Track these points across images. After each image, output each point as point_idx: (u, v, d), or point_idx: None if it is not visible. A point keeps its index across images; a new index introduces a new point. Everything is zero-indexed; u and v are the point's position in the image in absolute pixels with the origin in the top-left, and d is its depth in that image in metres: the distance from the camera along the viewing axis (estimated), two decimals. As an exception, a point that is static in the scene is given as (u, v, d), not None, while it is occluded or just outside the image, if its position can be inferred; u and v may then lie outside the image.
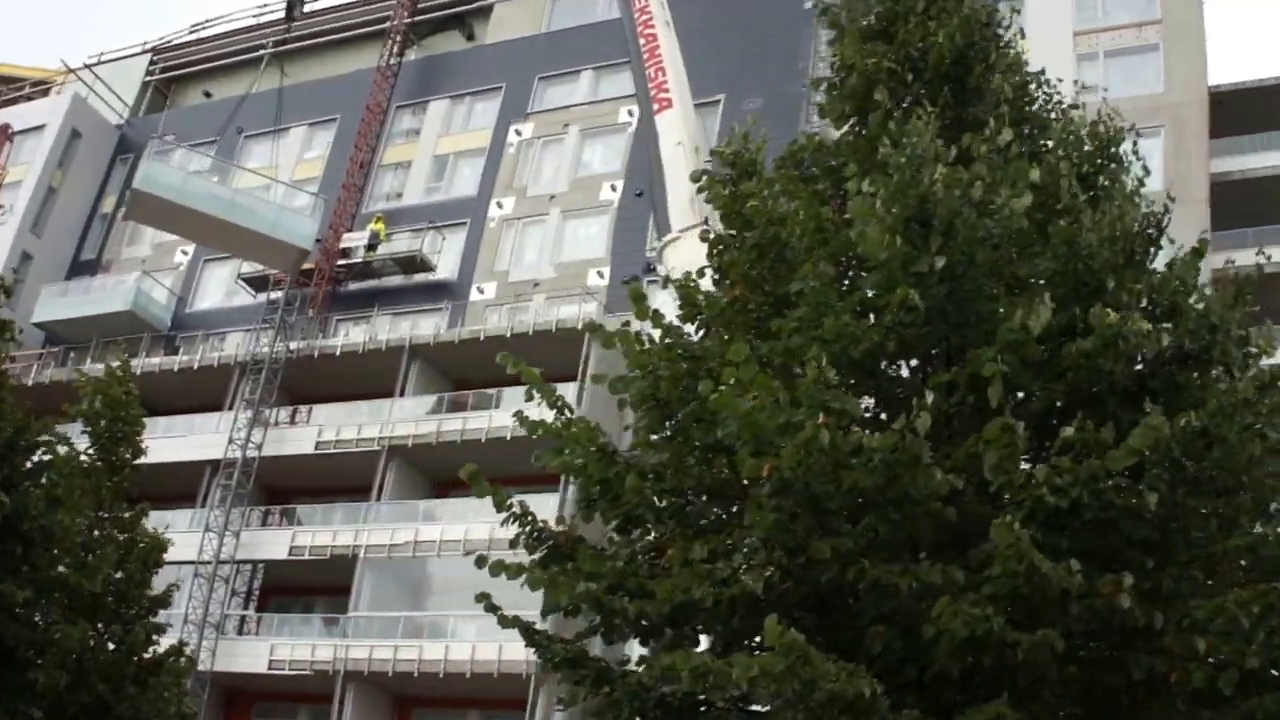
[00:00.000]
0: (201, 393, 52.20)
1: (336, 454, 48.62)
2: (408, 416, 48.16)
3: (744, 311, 14.93)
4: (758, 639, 12.32)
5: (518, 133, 57.85)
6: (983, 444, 11.60)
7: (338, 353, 50.85)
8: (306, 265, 54.98)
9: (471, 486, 14.41)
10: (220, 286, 61.24)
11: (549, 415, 14.99)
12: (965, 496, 11.98)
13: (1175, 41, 48.02)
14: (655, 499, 13.93)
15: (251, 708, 47.43)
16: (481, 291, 53.53)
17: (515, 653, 40.44)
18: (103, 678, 24.80)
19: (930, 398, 11.76)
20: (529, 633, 14.94)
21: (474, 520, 43.96)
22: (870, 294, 13.38)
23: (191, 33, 72.37)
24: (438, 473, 48.30)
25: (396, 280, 55.89)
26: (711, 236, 15.95)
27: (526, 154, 57.22)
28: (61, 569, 23.39)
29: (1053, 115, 16.87)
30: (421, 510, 46.79)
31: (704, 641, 14.09)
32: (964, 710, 11.42)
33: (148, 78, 72.77)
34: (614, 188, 53.75)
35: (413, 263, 55.28)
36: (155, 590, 28.43)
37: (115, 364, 30.98)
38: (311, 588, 48.79)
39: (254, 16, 70.20)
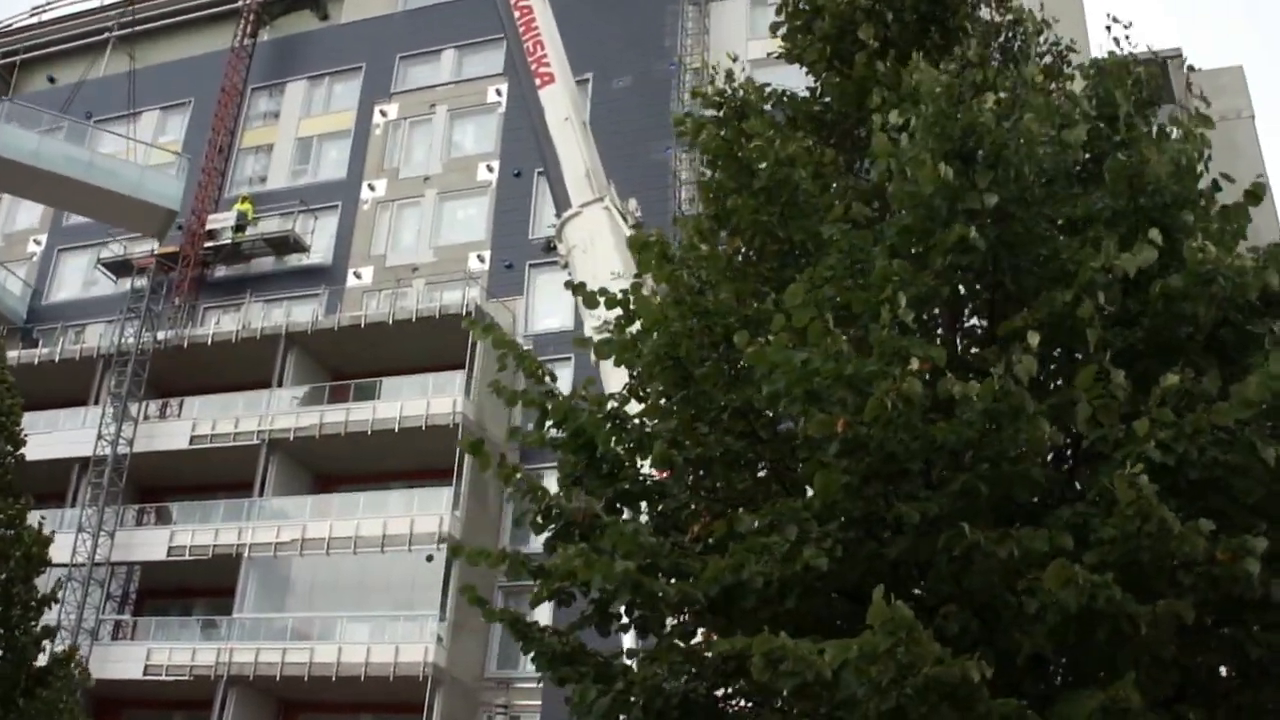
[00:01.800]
0: (63, 388, 49.94)
1: (213, 448, 46.64)
2: (287, 408, 46.35)
3: (750, 263, 13.67)
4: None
5: (383, 113, 56.14)
6: (1080, 394, 10.41)
7: (209, 342, 48.90)
8: (169, 249, 52.82)
9: (477, 460, 12.81)
10: (78, 276, 58.82)
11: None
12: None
13: None
14: (688, 471, 12.56)
15: (121, 715, 45.24)
16: (358, 276, 51.75)
17: (412, 654, 39.40)
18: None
19: (1034, 340, 10.54)
20: (517, 626, 13.37)
21: (365, 515, 42.55)
22: (912, 237, 12.16)
23: (32, 15, 69.48)
24: (321, 466, 46.75)
25: (268, 265, 53.93)
26: (705, 180, 14.65)
27: (394, 135, 55.51)
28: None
29: (1051, 57, 15.97)
30: (309, 506, 44.94)
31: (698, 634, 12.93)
32: (1071, 696, 10.21)
33: (-13, 64, 69.85)
34: (490, 168, 52.28)
35: (285, 243, 53.34)
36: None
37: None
38: (191, 589, 46.81)
39: (97, -2, 67.63)
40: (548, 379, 13.51)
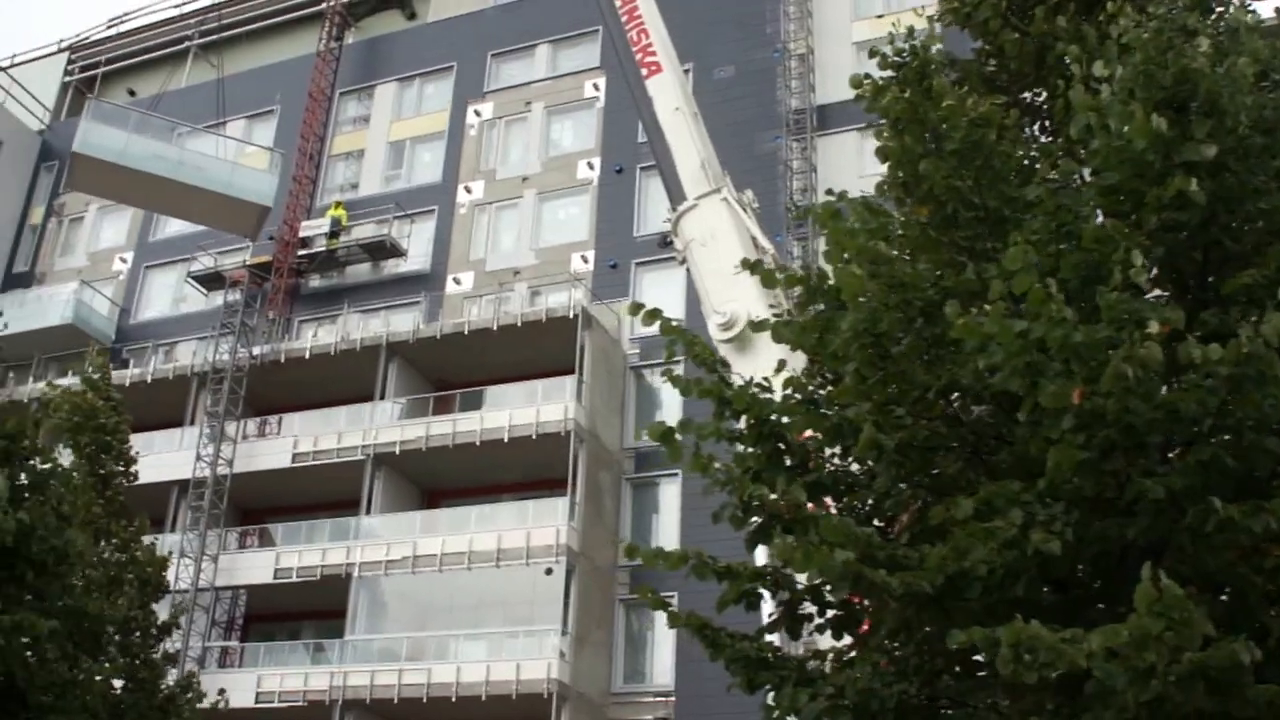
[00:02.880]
0: (157, 409, 49.89)
1: (316, 466, 46.65)
2: (391, 421, 46.23)
3: (942, 229, 13.20)
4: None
5: (477, 113, 56.06)
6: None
7: (307, 355, 48.98)
8: (262, 259, 53.08)
9: (664, 448, 12.33)
10: (166, 293, 59.19)
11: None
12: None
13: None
14: (895, 458, 12.10)
15: (234, 745, 45.38)
16: (458, 282, 51.62)
17: (534, 671, 39.13)
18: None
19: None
20: (705, 632, 12.94)
21: (477, 529, 42.40)
22: (1119, 196, 11.70)
23: (109, 27, 70.12)
24: (427, 480, 46.70)
25: (364, 275, 53.99)
26: (883, 145, 14.17)
27: (490, 135, 55.41)
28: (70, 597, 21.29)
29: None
30: (419, 522, 44.83)
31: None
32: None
33: (66, 78, 70.59)
34: (590, 165, 52.04)
35: (382, 248, 53.37)
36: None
37: (91, 370, 29.29)
38: (297, 612, 46.99)
39: (175, 7, 68.01)
40: (720, 367, 12.96)
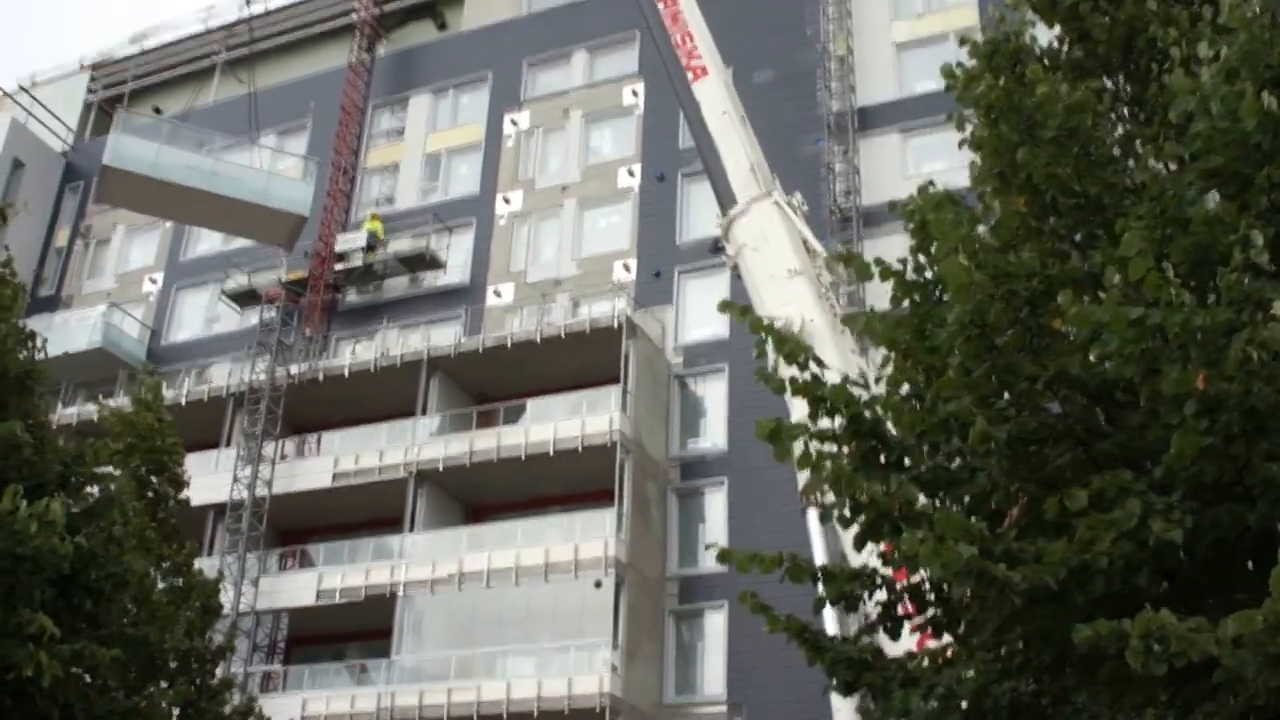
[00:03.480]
0: (191, 431, 49.56)
1: (357, 485, 46.72)
2: (433, 437, 46.24)
3: (1041, 217, 13.17)
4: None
5: (514, 123, 56.17)
6: None
7: (346, 373, 49.03)
8: (297, 274, 53.29)
9: (772, 446, 12.22)
10: (198, 313, 59.38)
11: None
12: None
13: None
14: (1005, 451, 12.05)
15: (284, 770, 45.49)
16: (499, 295, 51.70)
17: (586, 685, 39.15)
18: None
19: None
20: (804, 636, 12.94)
21: (524, 544, 42.45)
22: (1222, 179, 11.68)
23: (132, 44, 70.34)
24: (472, 496, 46.79)
25: (401, 289, 54.05)
26: (977, 135, 14.14)
27: (528, 145, 55.53)
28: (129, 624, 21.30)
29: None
30: (465, 538, 44.85)
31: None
32: None
33: (89, 97, 70.79)
34: (631, 173, 52.10)
35: (420, 260, 53.36)
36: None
37: (143, 389, 29.43)
38: (341, 634, 47.03)
39: (201, 22, 68.20)
40: (813, 365, 12.85)
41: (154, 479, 27.38)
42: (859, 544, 12.13)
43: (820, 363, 12.93)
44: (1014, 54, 14.34)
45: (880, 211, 46.45)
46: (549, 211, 53.23)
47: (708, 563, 43.52)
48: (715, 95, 36.45)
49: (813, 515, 28.07)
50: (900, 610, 12.51)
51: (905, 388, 12.76)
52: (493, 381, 48.02)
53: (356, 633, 46.56)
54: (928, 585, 12.03)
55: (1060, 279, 11.76)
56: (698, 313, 47.99)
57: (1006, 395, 12.17)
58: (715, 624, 42.69)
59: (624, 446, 42.75)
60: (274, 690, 44.95)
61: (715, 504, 44.53)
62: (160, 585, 24.71)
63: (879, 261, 13.14)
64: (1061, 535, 10.74)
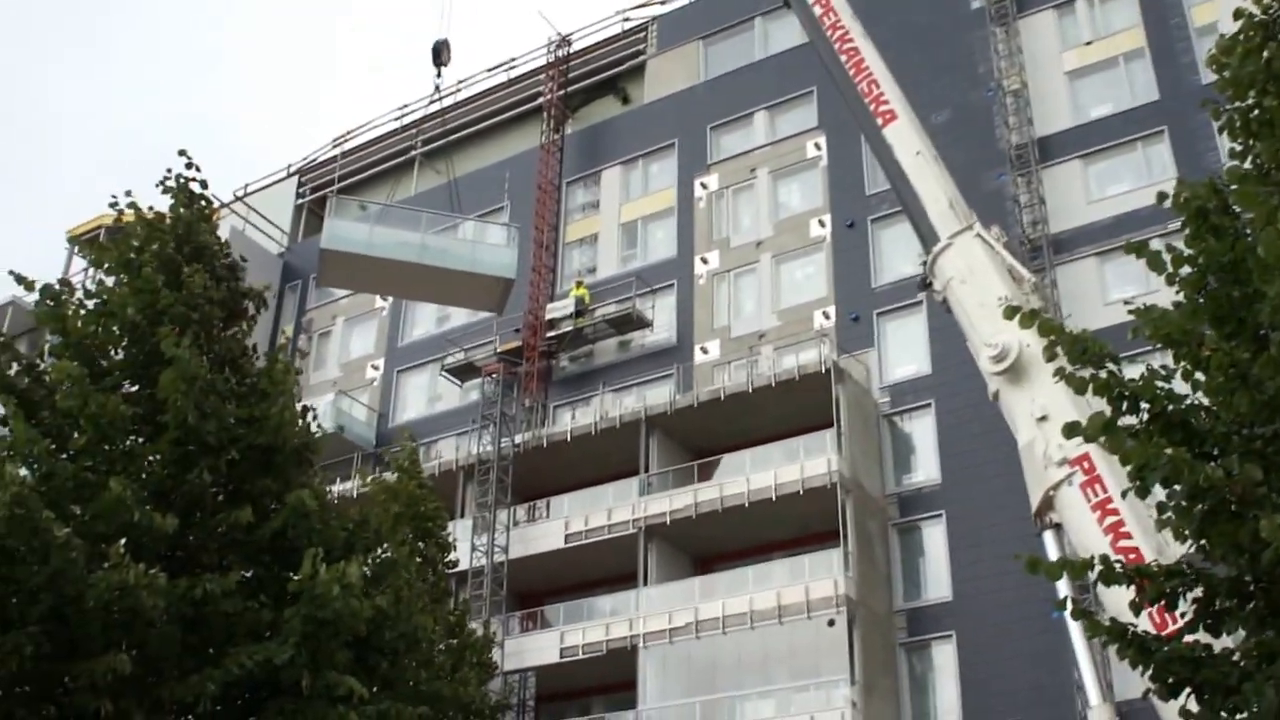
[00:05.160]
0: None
1: (589, 544, 46.97)
2: (659, 493, 46.32)
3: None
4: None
5: (703, 186, 56.36)
6: None
7: (569, 438, 49.43)
8: (512, 344, 54.04)
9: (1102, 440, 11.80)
10: (420, 395, 60.22)
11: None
12: None
13: None
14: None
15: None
16: (705, 351, 51.80)
17: (829, 723, 38.77)
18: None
19: None
20: (1125, 638, 12.47)
21: (755, 589, 42.32)
22: None
23: (334, 147, 71.80)
24: (698, 547, 46.79)
25: (611, 355, 54.33)
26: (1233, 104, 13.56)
27: (719, 205, 55.65)
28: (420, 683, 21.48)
29: None
30: (697, 588, 44.82)
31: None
32: None
33: (299, 201, 72.32)
34: (821, 223, 51.99)
35: (628, 321, 53.60)
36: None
37: (401, 457, 29.95)
38: (584, 689, 47.22)
39: (395, 120, 69.46)
40: (1109, 363, 12.49)
41: (421, 544, 27.72)
42: (1196, 533, 11.66)
43: (1116, 360, 12.57)
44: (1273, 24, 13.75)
45: (1069, 238, 46.03)
46: (746, 267, 53.26)
47: (932, 594, 43.16)
48: (907, 137, 36.46)
49: (1049, 537, 27.75)
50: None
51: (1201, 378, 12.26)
52: (707, 435, 48.07)
53: (599, 687, 46.67)
54: (1248, 577, 11.62)
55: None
56: (898, 352, 47.79)
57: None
58: (945, 654, 42.17)
59: (844, 487, 42.50)
60: (526, 747, 45.30)
61: (934, 536, 44.08)
62: (440, 646, 24.85)
63: (1170, 248, 12.73)
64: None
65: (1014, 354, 29.21)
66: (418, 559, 27.30)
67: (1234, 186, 12.32)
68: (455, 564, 29.45)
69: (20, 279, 20.40)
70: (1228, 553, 11.37)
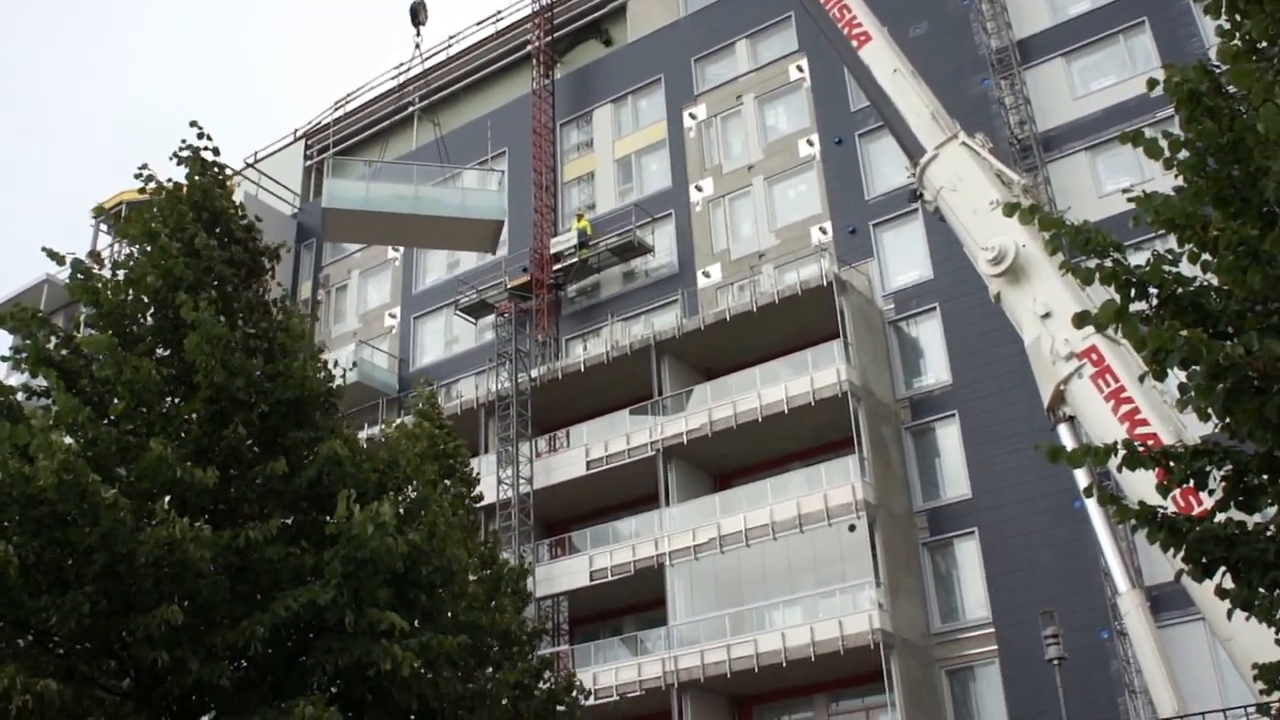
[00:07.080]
0: (450, 444, 50.59)
1: (610, 469, 46.89)
2: (673, 414, 46.10)
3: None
4: None
5: (692, 116, 55.88)
6: None
7: (583, 368, 49.24)
8: (521, 279, 54.15)
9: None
10: (437, 339, 60.18)
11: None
12: None
13: None
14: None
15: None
16: (707, 275, 51.50)
17: (857, 624, 38.77)
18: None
19: None
20: (1154, 520, 12.14)
21: (775, 500, 42.19)
22: None
23: (337, 109, 71.32)
24: (716, 464, 46.69)
25: (617, 285, 54.14)
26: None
27: (709, 134, 55.17)
28: (460, 613, 21.30)
29: None
30: (718, 503, 44.63)
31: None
32: None
33: (307, 163, 71.99)
34: (810, 143, 51.55)
35: (630, 248, 53.44)
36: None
37: (419, 400, 29.84)
38: (616, 609, 47.30)
39: (392, 80, 68.91)
40: (1113, 251, 12.10)
41: (446, 482, 27.56)
42: (1221, 410, 11.32)
43: (1122, 248, 12.18)
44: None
45: (1058, 135, 45.54)
46: (740, 191, 52.88)
47: (951, 493, 42.98)
48: (883, 56, 35.92)
49: (1064, 429, 27.44)
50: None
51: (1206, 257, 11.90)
52: (716, 355, 47.85)
53: (629, 606, 46.75)
54: (1278, 452, 11.32)
55: None
56: (898, 260, 47.45)
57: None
58: (968, 551, 42.01)
59: (854, 395, 42.24)
60: (562, 670, 45.16)
61: (949, 436, 43.83)
62: (472, 577, 24.66)
63: (1166, 134, 12.33)
64: None
65: (1011, 255, 28.82)
66: (448, 496, 27.11)
67: (1226, 66, 11.91)
68: (480, 498, 29.13)
69: (52, 254, 20.80)
70: (1254, 429, 11.08)
